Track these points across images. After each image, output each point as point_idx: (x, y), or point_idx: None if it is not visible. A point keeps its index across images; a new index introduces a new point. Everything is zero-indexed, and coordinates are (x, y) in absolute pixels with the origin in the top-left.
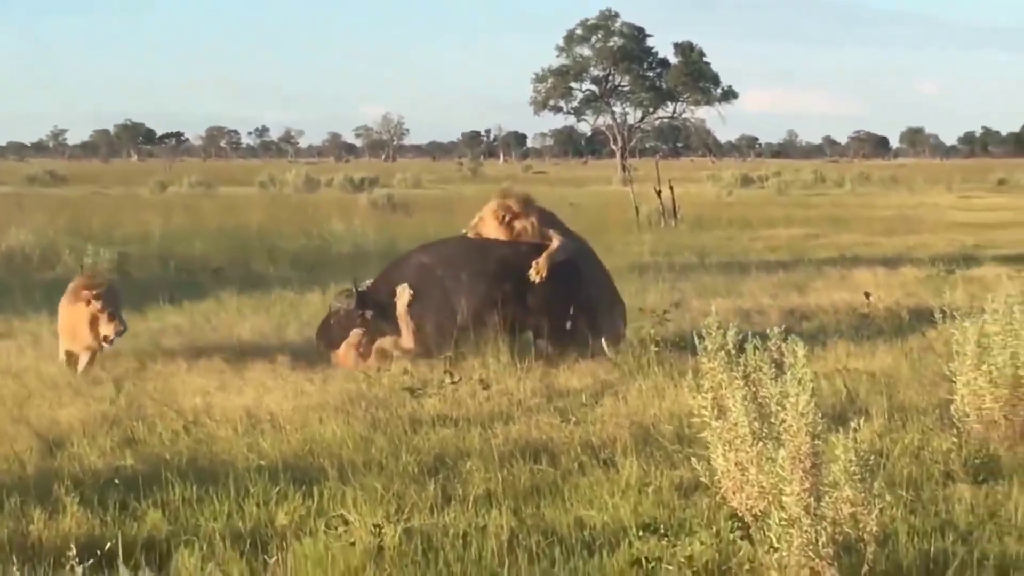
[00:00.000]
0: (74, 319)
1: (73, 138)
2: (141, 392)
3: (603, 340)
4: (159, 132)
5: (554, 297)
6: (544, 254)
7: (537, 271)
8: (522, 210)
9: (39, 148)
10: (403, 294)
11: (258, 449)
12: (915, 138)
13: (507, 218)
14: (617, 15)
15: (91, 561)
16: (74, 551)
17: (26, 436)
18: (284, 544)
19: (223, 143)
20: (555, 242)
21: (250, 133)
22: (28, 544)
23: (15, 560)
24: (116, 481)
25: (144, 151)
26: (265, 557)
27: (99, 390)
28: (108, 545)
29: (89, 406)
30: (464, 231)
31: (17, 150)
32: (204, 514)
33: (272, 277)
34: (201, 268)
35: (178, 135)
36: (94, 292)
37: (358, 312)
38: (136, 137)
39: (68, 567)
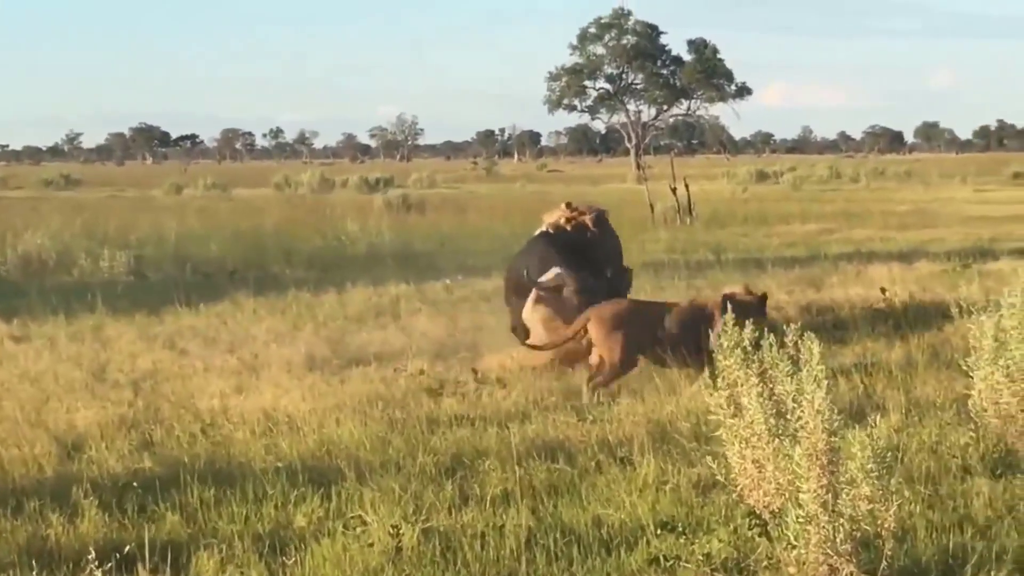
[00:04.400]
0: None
1: (88, 141)
2: (158, 395)
3: None
4: (174, 135)
5: None
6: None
7: None
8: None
9: (54, 152)
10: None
11: (276, 451)
12: (930, 132)
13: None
14: (630, 13)
15: (110, 564)
16: (93, 555)
17: (44, 440)
18: (303, 545)
19: (238, 145)
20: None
21: (265, 135)
22: (47, 548)
23: (34, 564)
24: (134, 484)
25: (159, 154)
26: (284, 559)
27: (116, 393)
28: (127, 548)
29: (106, 409)
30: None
31: (33, 154)
32: (222, 516)
33: (288, 278)
34: (217, 270)
35: (193, 137)
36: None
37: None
38: (151, 140)
39: (87, 571)
